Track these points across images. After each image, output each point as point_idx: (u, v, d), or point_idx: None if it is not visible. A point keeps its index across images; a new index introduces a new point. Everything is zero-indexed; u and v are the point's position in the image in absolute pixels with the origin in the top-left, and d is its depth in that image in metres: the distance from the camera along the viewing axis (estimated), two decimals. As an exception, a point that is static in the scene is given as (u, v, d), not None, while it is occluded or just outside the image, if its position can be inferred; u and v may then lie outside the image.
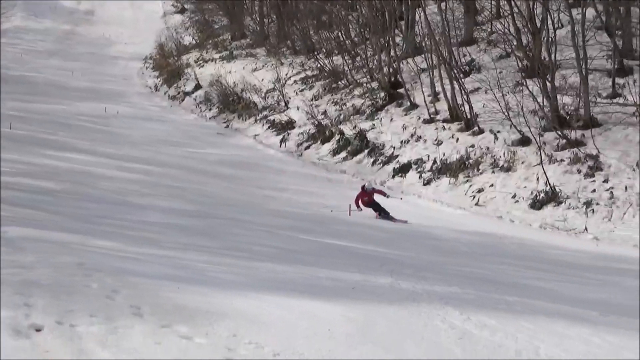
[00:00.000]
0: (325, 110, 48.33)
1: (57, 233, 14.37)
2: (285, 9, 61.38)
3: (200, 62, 67.37)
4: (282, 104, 52.25)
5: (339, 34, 53.06)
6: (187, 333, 8.74)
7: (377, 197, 31.13)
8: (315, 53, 55.33)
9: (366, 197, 30.57)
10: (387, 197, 31.35)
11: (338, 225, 25.94)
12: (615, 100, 36.10)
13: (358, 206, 30.34)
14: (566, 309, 14.82)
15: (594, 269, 23.13)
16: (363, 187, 31.36)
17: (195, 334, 8.76)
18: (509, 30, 41.58)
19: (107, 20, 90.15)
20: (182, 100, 62.23)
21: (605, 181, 31.42)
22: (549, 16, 38.46)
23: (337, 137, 44.51)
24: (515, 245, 26.32)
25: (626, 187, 30.51)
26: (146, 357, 7.68)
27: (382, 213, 30.42)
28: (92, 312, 8.74)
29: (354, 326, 10.26)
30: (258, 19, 69.43)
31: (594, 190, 31.15)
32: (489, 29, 46.58)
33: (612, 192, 30.63)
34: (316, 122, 46.86)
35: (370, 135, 42.74)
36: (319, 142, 45.54)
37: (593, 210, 30.09)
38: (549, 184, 31.87)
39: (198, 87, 61.83)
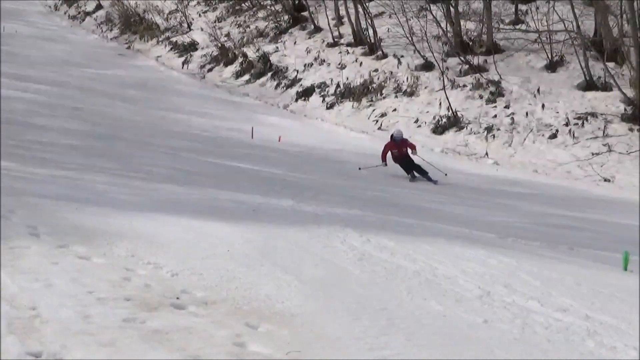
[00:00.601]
0: (229, 33, 47.87)
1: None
2: None
3: (102, -19, 66.15)
4: (185, 25, 51.76)
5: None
6: (85, 253, 8.67)
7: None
8: None
9: (396, 149, 25.18)
10: (414, 152, 25.38)
11: (240, 148, 25.78)
12: (517, 27, 36.38)
13: (384, 160, 25.08)
14: (465, 232, 15.03)
15: (494, 192, 23.45)
16: (392, 136, 25.92)
17: (93, 254, 8.69)
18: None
19: None
20: (83, 20, 61.30)
21: (507, 107, 31.74)
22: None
23: (240, 59, 44.25)
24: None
25: (527, 113, 30.84)
26: (43, 278, 7.59)
27: (417, 172, 24.97)
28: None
29: (254, 247, 10.28)
30: None
31: (495, 116, 31.44)
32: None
33: (512, 118, 30.94)
34: (219, 45, 46.37)
35: (273, 59, 42.51)
36: (222, 64, 45.23)
37: (494, 135, 30.39)
38: (451, 109, 32.09)
39: (99, 7, 60.93)
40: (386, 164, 24.99)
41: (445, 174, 24.64)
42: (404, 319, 8.24)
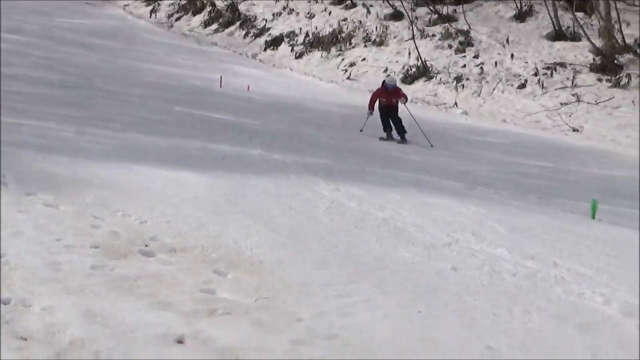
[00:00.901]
0: (197, -19, 47.37)
1: None
2: None
3: None
4: (153, -26, 51.02)
5: None
6: (53, 201, 8.63)
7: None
8: None
9: (385, 97, 22.62)
10: (404, 102, 22.94)
11: (209, 97, 25.64)
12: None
13: (371, 108, 22.73)
14: (434, 181, 15.08)
15: (463, 142, 23.48)
16: (383, 82, 23.69)
17: (61, 202, 8.66)
18: None
19: None
20: (49, -33, 60.54)
21: (476, 57, 31.81)
22: None
23: (208, 8, 44.02)
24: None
25: (496, 63, 30.92)
26: (10, 225, 7.56)
27: (397, 131, 22.59)
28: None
29: (222, 195, 10.28)
30: None
31: (464, 66, 31.48)
32: None
33: (482, 68, 31.00)
34: (188, -7, 46.11)
35: (242, 8, 42.32)
36: (190, 13, 45.04)
37: (463, 85, 30.45)
38: (421, 59, 32.08)
39: (65, -47, 60.13)
40: (372, 113, 22.74)
41: (432, 145, 21.61)
42: (372, 266, 8.27)
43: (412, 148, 20.35)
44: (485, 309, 7.36)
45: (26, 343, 5.32)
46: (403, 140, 22.33)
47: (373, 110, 22.85)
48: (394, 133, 22.75)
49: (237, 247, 8.02)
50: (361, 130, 22.76)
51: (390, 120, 22.82)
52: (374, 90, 24.60)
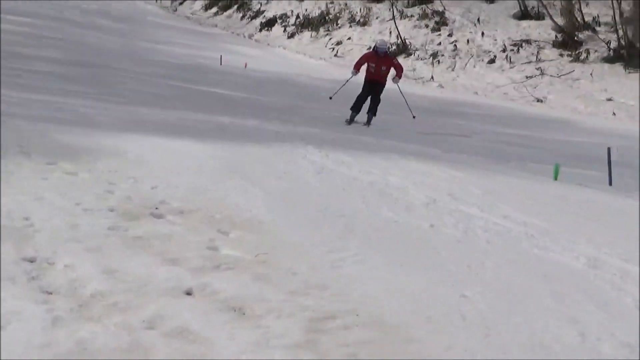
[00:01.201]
0: (198, -33, 47.18)
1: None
2: None
3: None
4: (158, -38, 50.72)
5: None
6: (72, 169, 8.62)
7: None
8: None
9: (375, 63, 18.60)
10: (397, 80, 19.21)
11: (210, 74, 25.60)
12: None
13: (357, 69, 18.94)
14: (416, 148, 15.07)
15: (440, 112, 23.49)
16: (374, 46, 19.46)
17: (79, 170, 8.64)
18: None
19: None
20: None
21: (450, 35, 31.84)
22: None
23: (209, -7, 43.87)
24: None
25: (468, 41, 30.95)
26: (34, 192, 7.57)
27: (369, 112, 18.69)
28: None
29: (222, 163, 10.26)
30: None
31: (440, 44, 31.50)
32: None
33: (455, 45, 31.03)
34: (189, -21, 45.88)
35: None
36: (192, -2, 44.86)
37: (439, 61, 30.48)
38: (400, 37, 32.09)
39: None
40: (357, 73, 18.95)
41: (414, 117, 19.65)
42: (359, 225, 8.29)
43: (396, 118, 20.29)
44: (461, 262, 7.40)
45: (51, 297, 5.33)
46: (368, 122, 18.66)
47: (358, 71, 18.99)
48: (359, 117, 18.77)
49: (237, 209, 8.04)
50: (330, 98, 19.99)
51: (370, 98, 18.73)
52: (365, 54, 20.27)
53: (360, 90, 18.86)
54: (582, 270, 7.79)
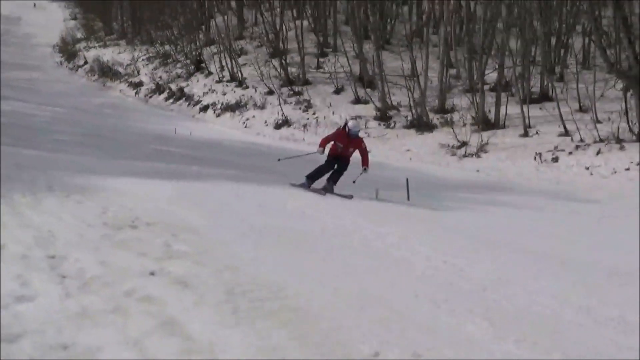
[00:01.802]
0: (160, 76, 46.37)
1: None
2: (136, 16, 58.46)
3: (87, 48, 63.16)
4: (136, 72, 49.80)
5: (167, 32, 50.84)
6: (80, 199, 8.33)
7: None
8: (155, 42, 52.72)
9: (343, 143, 12.90)
10: (365, 169, 12.95)
11: (169, 139, 25.19)
12: (319, 70, 36.66)
13: (323, 146, 12.83)
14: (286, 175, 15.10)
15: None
16: (346, 125, 13.29)
17: (85, 200, 8.36)
18: (264, 31, 41.27)
19: (30, 23, 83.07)
20: (77, 70, 58.33)
21: (314, 113, 32.07)
22: (284, 25, 38.45)
23: (167, 90, 43.21)
24: (265, 148, 26.49)
25: (324, 117, 31.18)
26: (56, 214, 7.30)
27: (330, 182, 12.78)
28: (23, 190, 8.24)
29: (175, 193, 10.08)
30: (120, 22, 65.97)
31: (308, 118, 31.66)
32: (252, 31, 45.78)
33: (317, 119, 31.22)
34: (155, 82, 45.21)
35: (186, 90, 41.69)
36: (157, 93, 44.12)
37: (307, 129, 30.60)
38: (284, 115, 32.15)
39: (86, 62, 58.07)
40: (322, 152, 12.80)
41: (279, 160, 15.44)
42: (257, 227, 8.26)
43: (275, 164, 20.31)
44: (335, 255, 7.44)
45: (65, 279, 5.18)
46: (329, 190, 12.58)
47: (324, 148, 12.82)
48: (317, 183, 12.81)
49: (184, 221, 7.91)
50: (279, 160, 15.57)
51: (333, 170, 12.86)
52: (333, 131, 13.93)
53: (322, 164, 13.04)
54: (410, 258, 7.92)
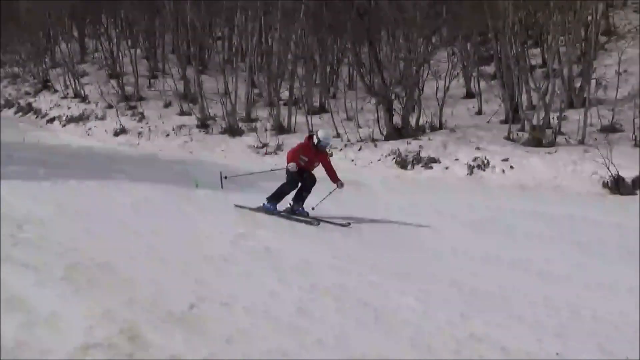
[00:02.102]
0: (10, 93, 41.13)
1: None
2: None
3: None
4: None
5: (16, 56, 44.92)
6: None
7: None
8: (4, 65, 45.98)
9: (311, 157, 9.10)
10: (339, 185, 9.10)
11: (20, 146, 22.63)
12: (151, 89, 34.86)
13: (295, 161, 8.86)
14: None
15: (161, 162, 22.41)
16: (317, 134, 9.14)
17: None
18: (103, 56, 38.22)
19: None
20: None
21: (147, 123, 30.34)
22: (120, 52, 36.07)
23: (17, 105, 38.65)
24: (104, 150, 24.68)
25: (156, 126, 29.51)
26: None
27: (297, 202, 9.18)
28: None
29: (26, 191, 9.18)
30: None
31: (142, 127, 29.68)
32: (93, 56, 42.14)
33: (149, 128, 29.44)
34: (5, 99, 39.99)
35: (34, 105, 37.52)
36: (7, 108, 39.20)
37: (141, 136, 28.80)
38: (122, 125, 30.13)
39: None
40: (296, 167, 8.97)
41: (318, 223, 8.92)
42: (162, 241, 7.61)
43: (125, 166, 19.04)
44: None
45: None
46: (296, 212, 9.18)
47: (296, 165, 9.02)
48: (280, 206, 9.40)
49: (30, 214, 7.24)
50: (226, 177, 11.57)
51: (300, 188, 9.28)
52: (298, 143, 9.77)
53: (286, 183, 9.26)
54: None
